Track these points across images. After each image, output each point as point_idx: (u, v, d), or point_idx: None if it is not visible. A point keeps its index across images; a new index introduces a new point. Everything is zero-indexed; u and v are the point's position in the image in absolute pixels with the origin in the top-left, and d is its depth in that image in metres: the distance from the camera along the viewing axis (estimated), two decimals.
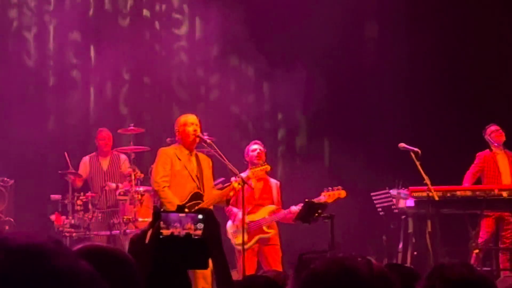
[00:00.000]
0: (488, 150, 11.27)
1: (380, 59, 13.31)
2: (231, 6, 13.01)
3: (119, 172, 10.94)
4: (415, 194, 10.14)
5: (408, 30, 13.41)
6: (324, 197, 9.69)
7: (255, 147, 10.11)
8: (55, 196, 10.86)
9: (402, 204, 10.46)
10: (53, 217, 10.67)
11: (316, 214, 8.93)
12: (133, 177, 10.23)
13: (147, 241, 2.56)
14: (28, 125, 11.98)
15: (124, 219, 10.21)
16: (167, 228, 2.56)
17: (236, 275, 11.04)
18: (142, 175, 10.44)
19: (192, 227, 2.59)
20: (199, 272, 8.49)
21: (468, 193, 10.32)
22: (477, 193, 10.29)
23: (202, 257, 2.63)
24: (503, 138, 11.15)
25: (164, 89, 12.97)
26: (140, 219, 10.20)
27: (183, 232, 2.58)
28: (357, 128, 12.86)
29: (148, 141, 11.66)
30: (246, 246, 9.60)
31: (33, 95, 12.61)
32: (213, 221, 2.67)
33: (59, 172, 11.00)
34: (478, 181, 11.22)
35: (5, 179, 11.31)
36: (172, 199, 8.57)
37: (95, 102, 13.08)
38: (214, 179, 9.47)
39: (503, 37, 13.20)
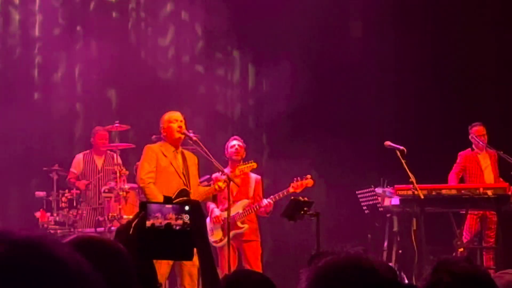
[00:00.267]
0: (469, 149, 11.35)
1: (365, 57, 13.31)
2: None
3: (112, 171, 10.90)
4: (400, 193, 10.14)
5: (393, 27, 13.43)
6: (292, 188, 9.75)
7: (234, 143, 10.14)
8: (40, 193, 10.84)
9: (387, 202, 10.47)
10: (38, 214, 10.64)
11: (302, 212, 8.95)
12: (118, 174, 10.21)
13: (131, 231, 2.55)
14: (12, 122, 11.92)
15: (109, 216, 10.19)
16: (149, 219, 2.56)
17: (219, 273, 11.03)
18: (127, 172, 10.42)
19: (174, 217, 2.59)
20: (185, 269, 8.50)
21: (453, 191, 10.34)
22: (462, 191, 10.32)
23: (187, 248, 2.63)
24: (483, 139, 11.21)
25: (149, 85, 12.93)
26: (125, 216, 10.17)
27: (164, 222, 2.57)
28: (343, 126, 12.87)
29: (133, 138, 11.64)
30: (221, 243, 9.63)
31: (17, 91, 12.55)
32: (199, 212, 2.68)
33: (44, 168, 10.97)
34: (461, 181, 11.28)
35: None
36: (158, 196, 8.56)
37: (80, 99, 13.03)
38: (200, 177, 9.48)
39: (490, 34, 13.23)
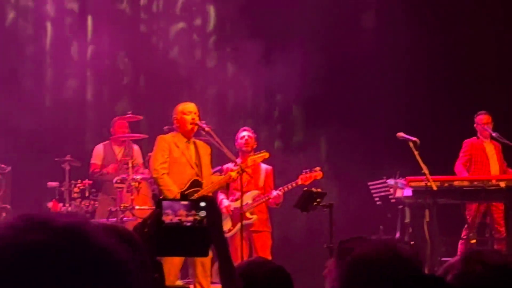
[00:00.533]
0: (475, 138, 11.30)
1: (378, 48, 13.28)
2: None
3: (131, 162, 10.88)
4: (413, 184, 10.13)
5: (406, 18, 13.38)
6: (300, 180, 9.76)
7: (243, 134, 10.14)
8: (52, 184, 10.84)
9: (399, 194, 10.45)
10: (50, 204, 10.66)
11: (315, 203, 8.94)
12: (130, 164, 10.22)
13: (147, 229, 2.56)
14: (25, 112, 11.95)
15: (121, 207, 10.19)
16: (162, 216, 2.57)
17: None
18: (139, 163, 10.43)
19: (184, 213, 2.59)
20: (198, 259, 8.50)
21: (466, 183, 10.31)
22: (475, 183, 10.29)
23: (202, 245, 2.63)
24: (489, 127, 11.16)
25: (161, 75, 12.93)
26: (137, 207, 10.18)
27: (174, 219, 2.58)
28: (355, 117, 12.84)
29: (145, 129, 11.64)
30: (230, 233, 9.64)
31: (28, 80, 12.56)
32: (215, 208, 2.68)
33: (56, 159, 10.98)
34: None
35: (2, 166, 11.26)
36: (171, 187, 8.57)
37: (92, 89, 13.04)
38: (212, 167, 9.47)
39: (503, 26, 13.18)
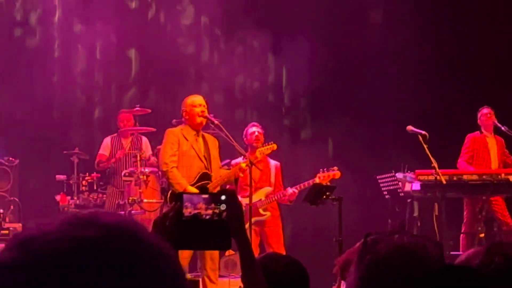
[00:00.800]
0: (478, 132, 11.25)
1: (386, 42, 13.26)
2: None
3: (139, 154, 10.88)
4: (422, 178, 10.13)
5: (413, 14, 13.36)
6: (318, 179, 9.73)
7: (253, 129, 10.10)
8: (60, 176, 10.86)
9: (407, 187, 10.46)
10: (58, 197, 10.67)
11: (324, 197, 8.93)
12: (138, 158, 10.21)
13: (168, 223, 2.55)
14: (33, 105, 11.96)
15: (130, 200, 10.19)
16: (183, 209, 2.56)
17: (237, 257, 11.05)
18: (147, 156, 10.43)
19: (203, 207, 2.59)
20: (207, 252, 8.48)
21: (475, 177, 10.30)
22: (484, 177, 10.28)
23: (223, 238, 2.63)
24: (491, 122, 11.12)
25: (170, 68, 12.92)
26: (145, 200, 10.18)
27: (193, 212, 2.57)
28: (364, 110, 12.82)
29: (154, 122, 11.63)
30: None
31: (37, 75, 12.57)
32: (236, 202, 2.67)
33: (65, 152, 10.99)
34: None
35: (10, 158, 11.29)
36: (180, 180, 8.55)
37: (100, 82, 13.04)
38: (221, 161, 9.45)
39: (511, 20, 13.15)
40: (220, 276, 9.16)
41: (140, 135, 11.13)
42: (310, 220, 12.21)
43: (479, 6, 13.11)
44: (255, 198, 9.77)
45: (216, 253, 8.60)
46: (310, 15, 13.05)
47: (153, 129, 10.86)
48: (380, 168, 11.10)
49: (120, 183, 10.76)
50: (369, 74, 13.03)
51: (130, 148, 11.17)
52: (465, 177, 10.26)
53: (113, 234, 1.07)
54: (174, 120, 9.79)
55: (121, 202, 10.42)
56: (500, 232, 11.14)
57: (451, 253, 10.05)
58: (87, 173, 10.85)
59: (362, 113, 12.77)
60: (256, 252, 9.24)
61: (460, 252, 9.51)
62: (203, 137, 9.02)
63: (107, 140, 11.31)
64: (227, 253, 10.48)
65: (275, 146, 9.70)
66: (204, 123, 8.94)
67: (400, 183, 10.53)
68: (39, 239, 1.05)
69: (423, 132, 9.74)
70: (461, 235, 10.83)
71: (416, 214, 10.66)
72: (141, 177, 10.09)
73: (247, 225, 9.56)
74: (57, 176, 10.90)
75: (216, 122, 8.96)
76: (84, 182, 10.74)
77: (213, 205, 2.59)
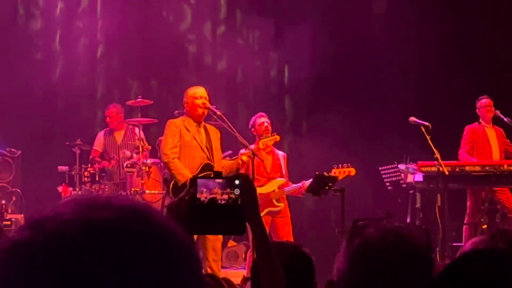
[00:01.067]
0: (476, 123, 11.19)
1: (389, 33, 13.24)
2: None
3: (133, 145, 10.89)
4: (424, 169, 10.12)
5: (418, 3, 13.34)
6: (334, 174, 9.71)
7: (262, 120, 10.03)
8: (63, 168, 10.86)
9: (410, 179, 10.45)
10: (60, 188, 10.67)
11: (327, 187, 8.93)
12: (140, 149, 10.20)
13: (183, 207, 2.55)
14: (35, 96, 11.95)
15: (132, 191, 10.19)
16: (197, 194, 2.56)
17: (244, 247, 11.06)
18: (150, 147, 10.42)
19: (219, 191, 2.58)
20: (209, 243, 8.48)
21: (478, 168, 10.28)
22: (487, 168, 10.26)
23: (238, 223, 2.62)
24: (491, 115, 11.09)
25: (172, 59, 12.91)
26: (147, 192, 10.19)
27: (209, 197, 2.56)
28: (366, 101, 12.81)
29: (156, 113, 11.62)
30: None
31: (39, 66, 12.55)
32: (250, 186, 2.66)
33: (67, 143, 10.98)
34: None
35: (12, 149, 11.29)
36: (182, 170, 8.54)
37: (102, 73, 13.03)
38: (222, 152, 9.44)
39: None
40: (222, 267, 9.15)
41: (133, 127, 11.10)
42: (312, 211, 12.21)
43: None
44: (269, 188, 9.79)
45: (218, 244, 8.60)
46: (313, 5, 13.03)
47: (155, 120, 10.85)
48: (383, 159, 11.08)
49: (112, 176, 10.79)
50: (372, 65, 13.01)
51: (123, 139, 11.16)
52: (467, 168, 10.24)
53: (127, 216, 1.06)
54: (176, 112, 9.79)
55: (123, 193, 10.42)
56: (503, 223, 11.12)
57: (454, 244, 10.06)
58: (89, 164, 10.84)
59: (365, 104, 12.75)
60: None
61: (463, 244, 9.51)
62: (205, 128, 9.01)
63: (100, 135, 11.31)
64: (229, 244, 10.50)
65: (278, 138, 9.67)
66: (205, 114, 8.93)
67: (402, 174, 10.52)
68: (53, 220, 1.04)
69: (426, 123, 9.73)
70: (464, 226, 10.81)
71: (418, 205, 10.64)
72: (143, 168, 10.09)
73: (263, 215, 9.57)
74: (59, 167, 10.89)
75: (218, 113, 8.95)
76: (86, 173, 10.73)
77: (227, 190, 2.58)
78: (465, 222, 10.83)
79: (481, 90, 11.68)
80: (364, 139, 12.27)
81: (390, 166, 10.70)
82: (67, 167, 10.83)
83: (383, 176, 10.82)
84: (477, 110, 11.18)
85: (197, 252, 1.13)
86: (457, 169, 10.16)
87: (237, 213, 2.58)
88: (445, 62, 13.02)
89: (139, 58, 13.09)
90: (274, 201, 9.84)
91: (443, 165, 9.68)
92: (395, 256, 2.04)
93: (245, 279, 6.89)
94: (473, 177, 10.23)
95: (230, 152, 10.06)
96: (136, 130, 11.03)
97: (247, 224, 2.65)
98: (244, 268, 10.23)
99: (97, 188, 10.57)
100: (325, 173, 9.21)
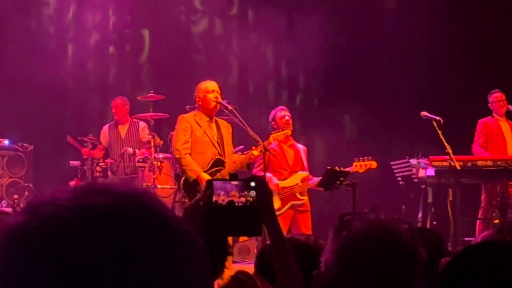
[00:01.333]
0: (489, 117, 11.12)
1: (399, 28, 13.22)
2: None
3: (137, 139, 10.89)
4: (436, 164, 10.09)
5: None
6: (355, 167, 9.71)
7: (283, 113, 10.03)
8: (74, 163, 10.89)
9: (421, 173, 10.42)
10: (72, 183, 10.68)
11: (338, 182, 8.92)
12: (152, 144, 10.21)
13: (200, 210, 2.57)
14: (47, 91, 11.97)
15: (143, 186, 10.20)
16: (213, 197, 2.58)
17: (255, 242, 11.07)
18: (161, 142, 10.42)
19: (237, 194, 2.60)
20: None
21: (489, 162, 10.24)
22: (499, 162, 10.23)
23: (254, 224, 2.64)
24: (504, 109, 11.04)
25: (184, 54, 12.92)
26: (159, 186, 10.20)
27: (226, 200, 2.58)
28: (378, 96, 12.80)
29: (167, 108, 11.62)
30: (279, 212, 9.62)
31: (51, 61, 12.57)
32: (266, 188, 2.68)
33: (79, 138, 11.00)
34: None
35: (25, 144, 11.31)
36: (194, 166, 8.55)
37: (114, 68, 13.05)
38: (234, 147, 9.44)
39: None
40: (233, 262, 9.16)
41: (137, 121, 11.10)
42: (323, 206, 12.20)
43: None
44: (292, 182, 9.80)
45: (229, 238, 8.59)
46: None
47: (166, 115, 10.85)
48: (394, 154, 11.07)
49: (117, 171, 10.79)
50: (383, 59, 12.99)
51: (127, 134, 11.16)
52: (479, 163, 10.20)
53: (125, 202, 1.04)
54: (188, 106, 9.79)
55: None
56: None
57: (466, 239, 10.03)
58: (101, 159, 10.86)
59: (376, 99, 12.74)
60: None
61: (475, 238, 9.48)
62: (216, 122, 9.01)
63: (105, 129, 11.30)
64: (240, 239, 10.51)
65: (289, 132, 9.66)
66: (217, 108, 8.94)
67: (414, 169, 10.49)
68: (50, 205, 1.02)
69: (437, 118, 9.71)
70: (477, 220, 10.78)
71: (430, 200, 10.61)
72: (155, 163, 10.10)
73: (283, 209, 9.58)
74: (71, 162, 10.93)
75: (229, 107, 8.95)
76: (98, 168, 10.75)
77: (245, 193, 2.60)
78: (479, 216, 10.80)
79: (493, 84, 11.65)
80: (375, 134, 12.27)
81: (402, 161, 10.68)
82: (79, 162, 10.85)
83: (394, 171, 10.79)
84: (489, 105, 11.13)
85: (202, 242, 1.10)
86: (469, 164, 10.13)
87: (253, 215, 2.61)
88: (456, 56, 12.99)
89: (151, 52, 13.11)
90: (297, 194, 9.84)
91: (454, 159, 9.66)
92: (382, 248, 2.06)
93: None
94: (485, 172, 10.19)
95: (241, 147, 10.05)
96: (140, 125, 11.05)
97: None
98: None
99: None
100: (337, 168, 9.20)
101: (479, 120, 11.12)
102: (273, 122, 9.98)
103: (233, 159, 9.03)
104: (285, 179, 9.72)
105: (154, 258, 1.01)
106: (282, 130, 9.55)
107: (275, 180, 9.73)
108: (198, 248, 1.09)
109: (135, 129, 11.10)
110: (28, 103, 11.83)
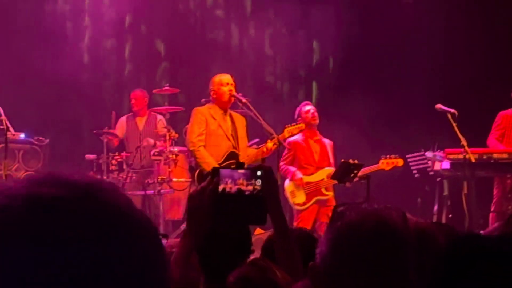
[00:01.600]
0: (510, 109, 10.97)
1: (416, 20, 13.18)
2: None
3: (155, 132, 10.90)
4: (451, 157, 10.06)
5: None
6: (382, 164, 9.72)
7: (308, 108, 10.09)
8: (90, 156, 10.89)
9: (437, 166, 10.39)
10: None
11: (352, 175, 8.91)
12: (167, 137, 10.22)
13: (206, 197, 2.57)
14: (63, 85, 12.01)
15: (159, 179, 10.22)
16: (220, 184, 2.58)
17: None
18: (177, 135, 10.44)
19: (244, 183, 2.60)
20: None
21: (505, 155, 10.19)
22: None
23: (260, 213, 2.65)
24: None
25: (199, 47, 12.93)
26: (174, 179, 10.23)
27: (234, 188, 2.58)
28: (393, 88, 12.77)
29: (183, 101, 11.65)
30: (304, 207, 9.64)
31: (66, 54, 12.61)
32: (272, 178, 2.68)
33: (94, 131, 11.02)
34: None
35: (40, 138, 11.32)
36: (208, 159, 8.56)
37: (130, 62, 13.08)
38: (249, 140, 9.44)
39: None
40: None
41: (155, 114, 11.12)
42: (337, 198, 12.19)
43: None
44: (318, 177, 9.83)
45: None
46: None
47: (182, 109, 10.86)
48: (410, 147, 11.04)
49: (137, 163, 10.78)
50: (399, 51, 12.96)
51: (145, 127, 11.16)
52: (495, 155, 10.15)
53: (74, 194, 1.01)
54: (203, 100, 9.80)
55: (150, 181, 10.44)
56: None
57: (481, 231, 9.97)
58: (117, 153, 10.87)
59: (391, 91, 12.71)
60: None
61: None
62: (231, 116, 9.02)
63: (123, 120, 11.31)
64: (256, 232, 10.49)
65: (303, 126, 9.66)
66: (232, 101, 8.95)
67: (429, 162, 10.47)
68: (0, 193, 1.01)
69: (452, 110, 9.68)
70: (491, 213, 10.73)
71: (446, 193, 10.59)
72: (170, 156, 10.11)
73: (308, 204, 9.58)
74: (86, 155, 10.94)
75: (244, 100, 8.96)
76: (113, 162, 10.75)
77: (247, 181, 2.60)
78: (491, 210, 10.74)
79: (509, 76, 11.60)
80: (390, 126, 12.23)
81: (417, 154, 10.66)
82: (95, 156, 10.86)
83: (410, 163, 10.78)
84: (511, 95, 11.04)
85: (159, 235, 1.08)
86: (484, 157, 10.08)
87: (260, 203, 2.61)
88: (472, 48, 12.92)
89: (166, 46, 13.13)
90: (323, 189, 9.84)
91: (470, 152, 9.62)
92: (375, 238, 2.06)
93: None
94: (500, 165, 10.13)
95: (257, 140, 10.05)
96: (158, 117, 11.06)
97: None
98: None
99: (124, 176, 10.60)
100: (351, 161, 9.19)
101: (499, 113, 10.98)
102: (299, 118, 9.99)
103: (247, 152, 9.04)
104: (311, 174, 9.72)
105: (99, 250, 0.99)
106: (300, 123, 9.58)
107: (299, 175, 9.75)
108: (155, 243, 1.06)
109: (153, 121, 11.11)
110: (44, 97, 11.87)
